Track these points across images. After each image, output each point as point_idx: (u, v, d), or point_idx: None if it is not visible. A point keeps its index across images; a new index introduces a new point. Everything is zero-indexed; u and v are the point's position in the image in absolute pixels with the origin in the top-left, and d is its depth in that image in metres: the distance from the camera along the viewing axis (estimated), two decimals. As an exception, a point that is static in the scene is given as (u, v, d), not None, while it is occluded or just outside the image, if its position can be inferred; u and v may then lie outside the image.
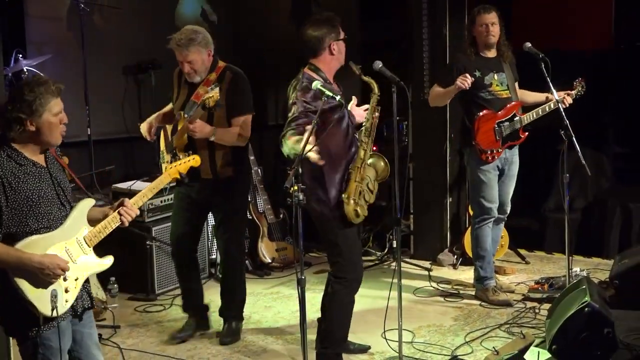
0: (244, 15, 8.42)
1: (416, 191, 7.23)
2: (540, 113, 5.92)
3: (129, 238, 6.19)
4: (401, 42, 7.53)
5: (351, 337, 5.23)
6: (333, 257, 4.82)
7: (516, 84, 6.13)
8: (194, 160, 4.21)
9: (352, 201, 4.65)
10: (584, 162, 5.39)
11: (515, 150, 6.13)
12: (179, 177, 4.08)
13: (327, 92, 4.44)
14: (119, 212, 3.62)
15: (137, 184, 6.29)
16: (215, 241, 6.84)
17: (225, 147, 5.16)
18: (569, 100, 5.87)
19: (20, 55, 6.64)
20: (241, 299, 5.57)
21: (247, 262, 6.93)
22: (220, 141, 5.12)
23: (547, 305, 5.54)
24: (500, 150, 5.98)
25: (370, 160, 4.78)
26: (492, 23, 5.93)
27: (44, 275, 3.37)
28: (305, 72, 4.74)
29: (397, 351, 4.81)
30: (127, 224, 3.66)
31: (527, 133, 6.05)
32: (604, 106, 7.93)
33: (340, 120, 4.68)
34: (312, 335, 4.88)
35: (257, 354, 5.24)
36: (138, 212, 3.72)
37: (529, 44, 5.66)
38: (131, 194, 6.20)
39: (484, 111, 5.89)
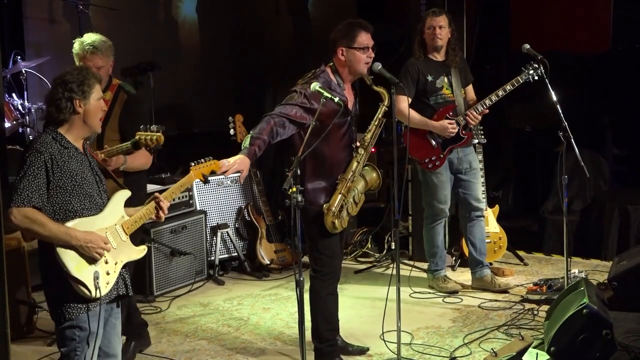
0: (242, 15, 8.42)
1: (415, 193, 7.22)
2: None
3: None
4: (400, 44, 7.53)
5: (350, 339, 5.24)
6: (311, 251, 4.87)
7: (469, 87, 6.23)
8: (215, 164, 4.21)
9: (331, 213, 4.69)
10: (582, 163, 5.41)
11: (470, 149, 6.21)
12: (202, 178, 4.15)
13: (326, 94, 4.44)
14: (155, 207, 3.84)
15: (135, 186, 6.27)
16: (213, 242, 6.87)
17: (120, 176, 4.72)
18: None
19: (19, 57, 6.65)
20: (137, 323, 5.19)
21: (245, 263, 6.96)
22: (129, 168, 4.77)
23: (545, 307, 5.54)
24: (442, 156, 6.07)
25: (364, 169, 4.79)
26: (439, 26, 6.00)
27: (88, 251, 3.56)
28: (325, 69, 4.75)
29: (396, 353, 4.82)
30: (163, 218, 3.91)
31: (471, 132, 6.11)
32: (603, 108, 7.94)
33: (339, 126, 4.69)
34: (310, 337, 4.88)
35: (256, 355, 5.23)
36: (168, 205, 3.92)
37: (527, 46, 5.70)
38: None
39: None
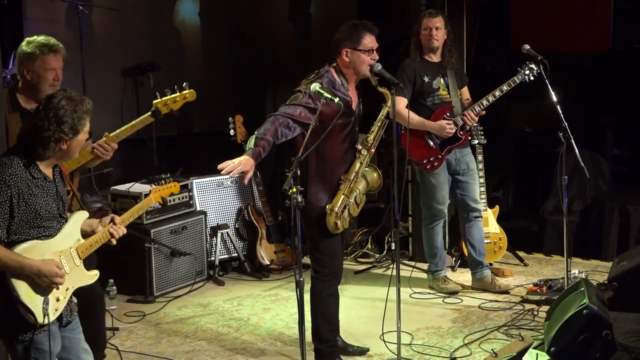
0: (242, 16, 8.42)
1: (415, 193, 7.23)
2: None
3: (127, 240, 6.18)
4: (400, 45, 7.53)
5: (350, 340, 5.24)
6: (312, 252, 4.86)
7: (465, 89, 6.25)
8: (174, 187, 4.17)
9: (334, 214, 4.68)
10: (582, 164, 5.41)
11: (467, 150, 6.23)
12: (160, 201, 4.10)
13: (326, 94, 4.45)
14: (109, 232, 3.68)
15: (135, 186, 6.29)
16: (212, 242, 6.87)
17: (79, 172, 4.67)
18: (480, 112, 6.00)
19: (19, 57, 6.63)
20: (105, 333, 5.04)
21: (245, 264, 6.96)
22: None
23: (545, 307, 5.53)
24: (441, 156, 6.09)
25: (364, 169, 4.81)
26: (436, 27, 6.02)
27: (40, 282, 3.42)
28: (329, 69, 4.75)
29: (396, 353, 4.82)
30: (114, 242, 3.72)
31: (468, 132, 6.13)
32: (603, 108, 7.94)
33: (342, 126, 4.70)
34: (310, 338, 4.88)
35: (256, 356, 5.23)
36: (125, 231, 3.76)
37: (527, 46, 5.70)
38: (130, 195, 6.24)
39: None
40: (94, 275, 3.73)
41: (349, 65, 4.73)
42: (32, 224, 3.46)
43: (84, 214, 3.70)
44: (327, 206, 4.68)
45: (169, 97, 4.53)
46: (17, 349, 3.53)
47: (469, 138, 6.33)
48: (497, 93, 5.93)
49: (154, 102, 4.51)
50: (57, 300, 3.53)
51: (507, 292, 6.21)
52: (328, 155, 4.69)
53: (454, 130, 5.99)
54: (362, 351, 5.18)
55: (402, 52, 7.40)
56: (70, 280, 3.59)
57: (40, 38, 4.60)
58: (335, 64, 4.77)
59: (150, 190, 4.08)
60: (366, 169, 4.84)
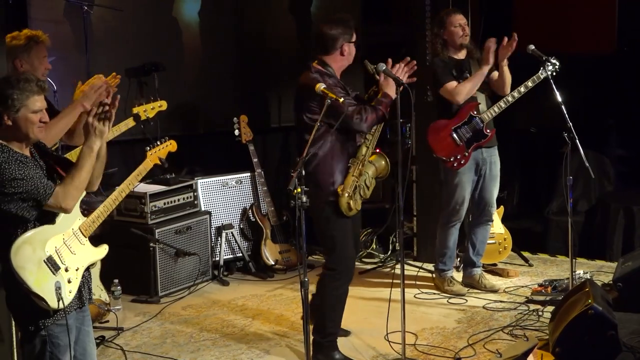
0: (246, 16, 8.42)
1: (419, 194, 7.22)
2: (497, 110, 5.97)
3: (132, 240, 6.21)
4: (404, 45, 7.53)
5: (354, 339, 5.24)
6: (325, 249, 4.96)
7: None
8: (171, 145, 4.20)
9: (346, 194, 4.77)
10: (587, 164, 5.40)
11: (494, 150, 6.16)
12: (159, 162, 4.10)
13: (330, 95, 4.49)
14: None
15: (139, 186, 6.29)
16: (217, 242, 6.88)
17: None
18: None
19: (24, 58, 6.63)
20: None
21: (250, 264, 6.96)
22: None
23: (550, 308, 5.53)
24: (467, 154, 5.99)
25: (371, 158, 4.90)
26: (465, 23, 6.00)
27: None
28: (313, 66, 4.85)
29: (400, 353, 4.82)
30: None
31: (494, 129, 6.07)
32: (608, 108, 7.92)
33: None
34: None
35: (260, 356, 5.24)
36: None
37: (532, 46, 5.69)
38: (134, 195, 6.26)
39: (436, 122, 5.99)
40: (103, 250, 3.76)
41: (344, 59, 4.87)
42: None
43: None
44: (339, 187, 4.78)
45: (150, 104, 4.65)
46: (33, 345, 3.54)
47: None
48: (522, 89, 5.85)
49: (135, 108, 4.64)
50: (69, 282, 3.55)
51: (494, 291, 6.19)
52: (337, 143, 4.81)
53: (494, 47, 5.82)
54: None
55: (404, 53, 7.40)
56: (79, 259, 3.62)
57: (22, 31, 4.73)
58: (317, 60, 4.87)
59: (146, 153, 4.00)
60: (375, 156, 4.94)
